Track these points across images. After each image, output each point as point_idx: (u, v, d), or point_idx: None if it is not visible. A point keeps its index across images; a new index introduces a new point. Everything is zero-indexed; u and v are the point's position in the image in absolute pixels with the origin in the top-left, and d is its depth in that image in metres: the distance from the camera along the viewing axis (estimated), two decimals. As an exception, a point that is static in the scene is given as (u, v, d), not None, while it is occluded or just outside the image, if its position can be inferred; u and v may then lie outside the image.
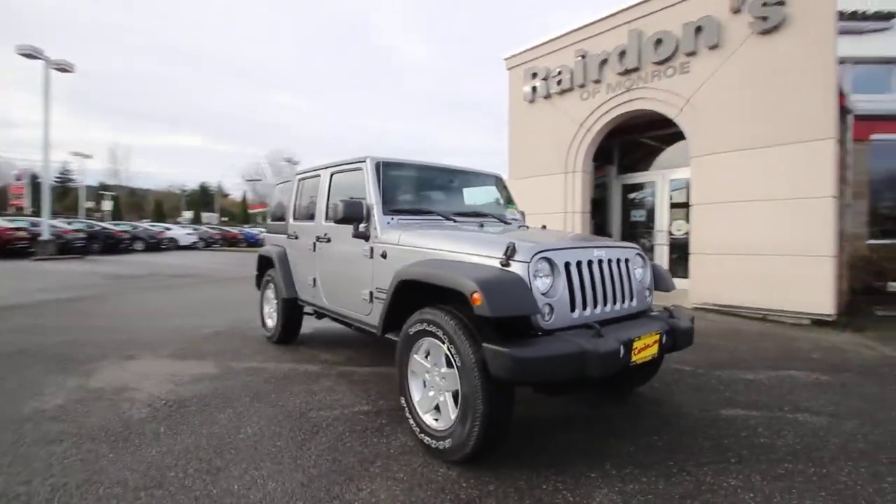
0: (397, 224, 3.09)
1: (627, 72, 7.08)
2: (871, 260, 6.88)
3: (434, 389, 2.41)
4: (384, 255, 2.98)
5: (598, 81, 7.50)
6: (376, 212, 3.11)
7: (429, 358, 2.45)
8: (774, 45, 5.60)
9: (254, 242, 30.62)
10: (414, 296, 2.58)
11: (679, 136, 7.95)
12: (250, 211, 52.25)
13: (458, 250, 2.49)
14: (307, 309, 4.29)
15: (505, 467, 2.22)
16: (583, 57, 7.62)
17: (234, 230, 32.89)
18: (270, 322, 4.76)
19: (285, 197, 4.74)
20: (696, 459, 2.32)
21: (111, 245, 19.24)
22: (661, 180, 8.18)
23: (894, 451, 2.40)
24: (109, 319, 5.78)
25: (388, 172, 3.34)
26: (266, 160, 30.73)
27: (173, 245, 23.97)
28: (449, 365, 2.31)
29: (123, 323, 5.57)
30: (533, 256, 2.22)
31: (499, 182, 4.12)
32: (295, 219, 4.37)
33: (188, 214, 48.15)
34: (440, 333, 2.24)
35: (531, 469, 2.21)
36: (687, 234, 7.57)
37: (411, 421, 2.46)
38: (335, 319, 3.88)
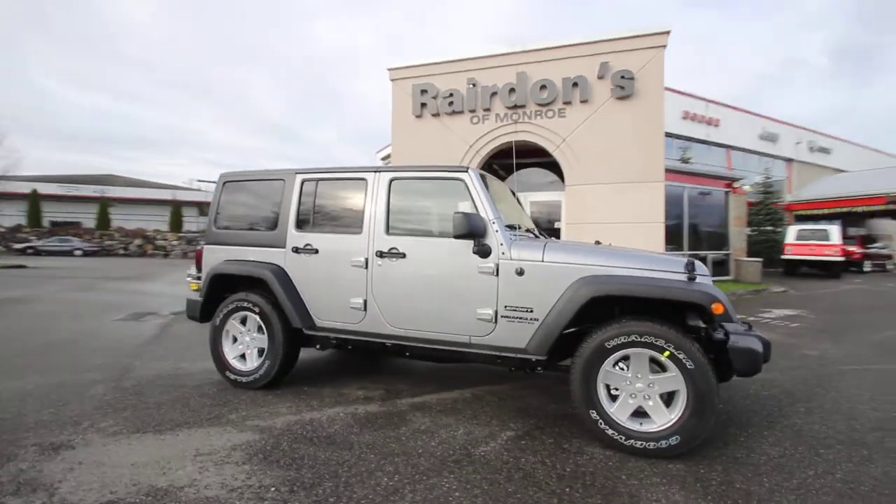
0: (521, 239, 3.04)
1: (515, 107, 8.22)
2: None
3: (634, 396, 2.58)
4: (520, 272, 2.90)
5: (487, 110, 8.42)
6: (499, 226, 2.99)
7: (622, 367, 2.61)
8: (627, 108, 7.61)
9: None
10: None
11: (521, 166, 9.67)
12: None
13: (636, 266, 2.72)
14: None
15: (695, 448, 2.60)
16: (474, 85, 8.41)
17: None
18: (242, 363, 3.65)
19: (265, 200, 3.75)
20: (766, 415, 3.21)
21: None
22: (523, 200, 9.68)
23: (838, 380, 3.88)
24: None
25: (476, 185, 3.20)
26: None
27: None
28: (654, 371, 2.55)
29: None
30: (705, 270, 2.71)
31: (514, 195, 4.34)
32: (303, 229, 3.53)
33: None
34: (661, 342, 2.46)
35: (706, 444, 2.67)
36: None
37: (609, 431, 2.56)
38: (372, 348, 3.37)
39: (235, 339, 3.72)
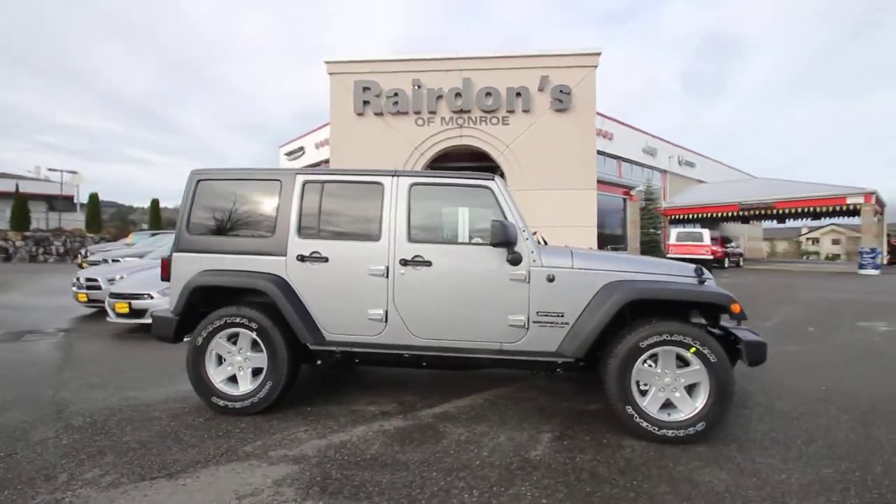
0: (547, 246, 3.16)
1: (461, 111, 8.37)
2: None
3: (663, 390, 2.85)
4: (551, 279, 3.01)
5: (433, 112, 8.44)
6: (528, 234, 3.07)
7: (650, 364, 2.86)
8: (565, 120, 8.20)
9: None
10: None
11: (460, 169, 9.92)
12: None
13: (647, 271, 3.01)
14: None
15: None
16: (419, 87, 8.37)
17: None
18: (231, 387, 3.24)
19: (256, 203, 3.37)
20: (736, 396, 3.74)
21: None
22: (463, 204, 9.88)
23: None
24: None
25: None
26: None
27: None
28: (678, 366, 2.84)
29: None
30: (710, 275, 3.09)
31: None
32: (308, 235, 3.24)
33: None
34: (688, 340, 2.76)
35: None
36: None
37: (644, 423, 2.79)
38: (386, 360, 3.24)
39: (221, 360, 3.28)
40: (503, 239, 2.90)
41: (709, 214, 21.48)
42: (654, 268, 3.07)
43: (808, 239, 53.22)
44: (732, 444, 2.80)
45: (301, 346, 3.20)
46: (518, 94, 8.36)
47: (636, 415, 2.81)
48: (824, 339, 5.80)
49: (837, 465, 2.54)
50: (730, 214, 21.25)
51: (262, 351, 3.20)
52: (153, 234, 16.74)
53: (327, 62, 8.90)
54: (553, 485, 2.30)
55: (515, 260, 3.02)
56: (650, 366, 2.86)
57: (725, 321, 3.23)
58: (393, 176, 3.25)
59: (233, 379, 3.26)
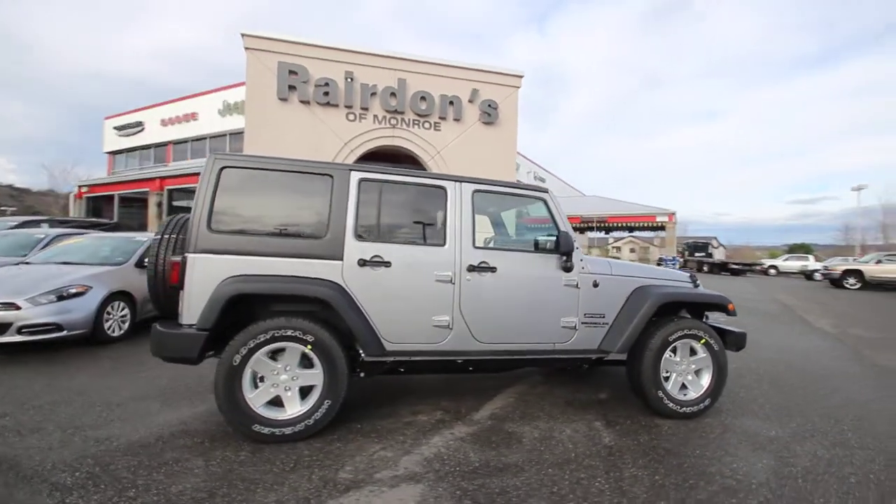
0: (589, 256, 3.53)
1: (395, 112, 8.29)
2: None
3: (680, 375, 3.47)
4: (596, 285, 3.40)
5: (366, 109, 8.18)
6: (578, 244, 3.40)
7: (671, 354, 3.45)
8: (492, 132, 8.79)
9: None
10: None
11: None
12: None
13: (663, 277, 3.64)
14: None
15: (700, 407, 3.70)
16: (351, 80, 8.03)
17: None
18: (275, 411, 2.83)
19: (300, 199, 3.00)
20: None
21: None
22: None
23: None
24: None
25: (537, 204, 3.55)
26: None
27: None
28: (692, 354, 3.50)
29: None
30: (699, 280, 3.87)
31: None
32: (366, 238, 3.00)
33: None
34: (700, 333, 3.43)
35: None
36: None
37: (671, 405, 3.37)
38: (434, 367, 3.27)
39: (257, 381, 2.81)
40: (567, 248, 3.18)
41: (558, 224, 25.09)
42: (664, 275, 3.71)
43: (613, 247, 65.84)
44: (723, 414, 3.57)
45: (352, 358, 2.96)
46: (451, 103, 8.65)
47: (665, 397, 3.36)
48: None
49: (795, 420, 3.48)
50: (573, 225, 25.13)
51: (312, 367, 2.85)
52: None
53: (245, 35, 7.80)
54: (648, 463, 2.67)
55: (569, 267, 3.32)
56: (671, 356, 3.46)
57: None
58: (455, 182, 3.24)
59: (274, 402, 2.82)
